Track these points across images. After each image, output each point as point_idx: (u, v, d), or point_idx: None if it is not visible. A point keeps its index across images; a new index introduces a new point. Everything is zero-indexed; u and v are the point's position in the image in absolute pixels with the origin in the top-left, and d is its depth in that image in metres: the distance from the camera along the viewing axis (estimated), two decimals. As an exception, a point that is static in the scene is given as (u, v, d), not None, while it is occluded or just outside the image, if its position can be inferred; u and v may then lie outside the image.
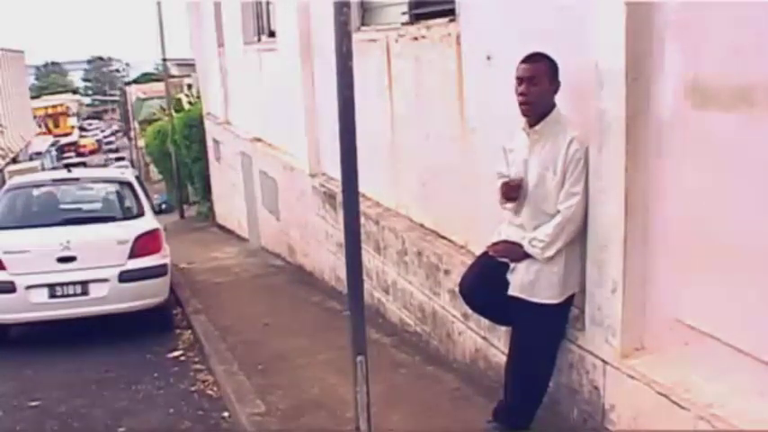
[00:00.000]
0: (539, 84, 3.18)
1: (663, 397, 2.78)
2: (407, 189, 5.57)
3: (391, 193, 5.89)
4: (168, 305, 7.21)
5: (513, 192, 3.33)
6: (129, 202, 7.30)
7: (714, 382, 2.68)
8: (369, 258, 5.82)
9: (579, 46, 3.13)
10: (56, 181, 7.88)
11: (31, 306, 6.36)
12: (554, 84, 3.21)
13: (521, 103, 3.23)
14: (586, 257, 3.21)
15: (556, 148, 3.17)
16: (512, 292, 3.35)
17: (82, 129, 61.62)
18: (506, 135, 3.53)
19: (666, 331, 2.92)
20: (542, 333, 3.37)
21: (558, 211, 3.19)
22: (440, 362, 4.75)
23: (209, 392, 5.23)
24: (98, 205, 7.68)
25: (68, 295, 6.41)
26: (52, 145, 44.95)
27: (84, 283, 6.42)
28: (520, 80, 3.22)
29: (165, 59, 23.52)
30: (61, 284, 6.38)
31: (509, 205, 3.40)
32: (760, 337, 2.48)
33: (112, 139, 62.13)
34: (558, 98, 3.24)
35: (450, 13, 4.58)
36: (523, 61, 3.23)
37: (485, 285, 3.54)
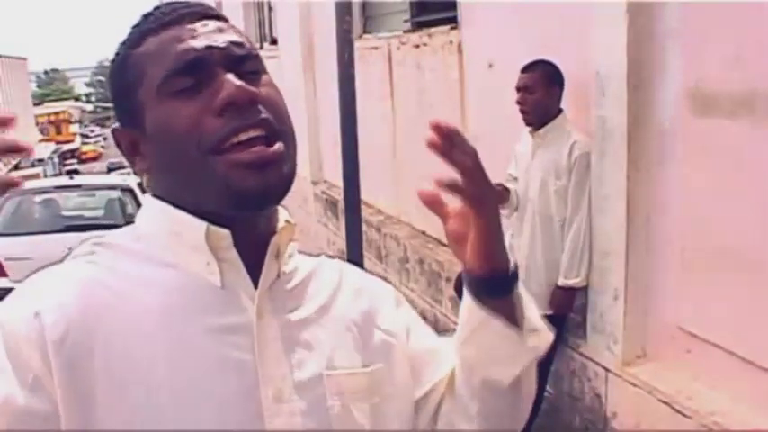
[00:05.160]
0: (535, 92, 3.20)
1: (665, 405, 2.77)
2: (409, 196, 5.57)
3: (393, 200, 5.90)
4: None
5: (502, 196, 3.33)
6: (131, 209, 7.31)
7: (716, 389, 2.67)
8: (370, 266, 5.82)
9: (580, 53, 3.14)
10: (57, 188, 7.89)
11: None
12: (553, 90, 3.22)
13: (520, 112, 3.27)
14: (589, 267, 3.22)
15: (558, 154, 3.18)
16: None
17: (84, 136, 61.73)
18: (508, 143, 3.53)
19: (668, 339, 2.92)
20: None
21: (564, 220, 3.21)
22: (441, 369, 4.74)
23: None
24: (100, 212, 7.68)
25: None
26: (54, 152, 45.05)
27: None
28: (518, 89, 3.26)
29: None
30: None
31: (503, 212, 3.41)
32: (762, 345, 2.48)
33: None
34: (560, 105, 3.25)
35: (452, 21, 4.59)
36: (522, 71, 3.27)
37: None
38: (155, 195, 0.87)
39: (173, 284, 0.80)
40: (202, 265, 0.81)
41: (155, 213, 0.85)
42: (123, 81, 0.85)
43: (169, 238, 0.83)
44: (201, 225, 0.80)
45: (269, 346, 0.80)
